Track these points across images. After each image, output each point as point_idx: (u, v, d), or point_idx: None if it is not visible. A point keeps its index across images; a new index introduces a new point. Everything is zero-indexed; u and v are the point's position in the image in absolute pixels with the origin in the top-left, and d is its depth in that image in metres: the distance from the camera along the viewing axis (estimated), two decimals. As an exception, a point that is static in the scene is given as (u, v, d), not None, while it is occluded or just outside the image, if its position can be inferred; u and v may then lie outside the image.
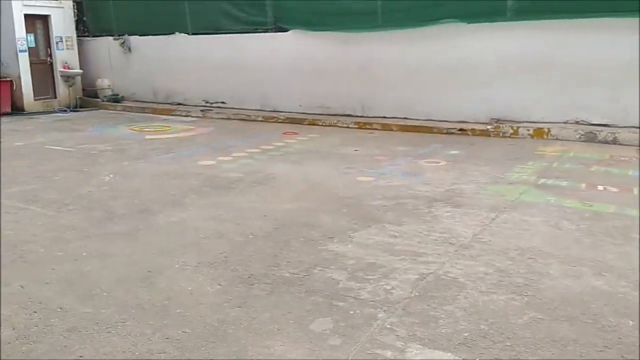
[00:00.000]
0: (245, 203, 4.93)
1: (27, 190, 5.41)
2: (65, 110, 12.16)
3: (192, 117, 11.15)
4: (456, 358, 2.35)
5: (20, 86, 11.84)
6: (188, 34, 11.86)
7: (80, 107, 12.66)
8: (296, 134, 8.87)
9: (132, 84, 12.96)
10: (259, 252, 3.70)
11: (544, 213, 4.40)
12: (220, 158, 6.92)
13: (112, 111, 12.30)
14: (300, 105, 10.53)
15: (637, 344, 2.36)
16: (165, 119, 10.94)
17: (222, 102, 11.62)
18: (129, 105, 12.47)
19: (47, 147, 7.82)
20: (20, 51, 11.88)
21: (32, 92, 11.99)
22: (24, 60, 11.93)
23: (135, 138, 8.62)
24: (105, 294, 3.10)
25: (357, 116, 9.90)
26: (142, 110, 12.02)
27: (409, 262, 3.44)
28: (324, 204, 4.87)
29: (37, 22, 12.17)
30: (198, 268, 3.44)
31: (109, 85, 13.01)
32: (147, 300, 3.00)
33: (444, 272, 3.25)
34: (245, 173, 6.09)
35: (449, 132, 8.56)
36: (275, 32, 10.66)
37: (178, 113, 11.48)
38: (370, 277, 3.23)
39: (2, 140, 8.30)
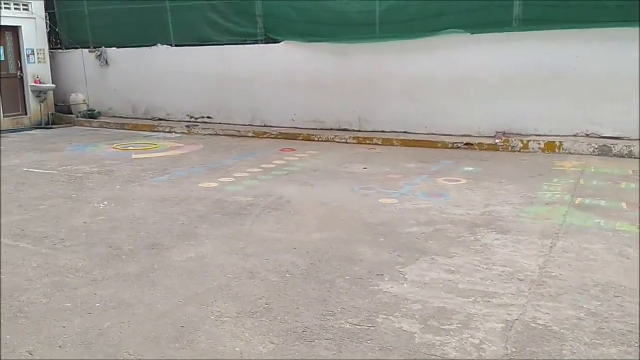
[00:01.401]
0: (266, 233, 4.42)
1: (12, 223, 4.76)
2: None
3: (177, 133, 10.53)
4: None
5: (-12, 102, 11.02)
6: (171, 45, 11.26)
7: (53, 123, 11.86)
8: (294, 150, 8.39)
9: (109, 98, 12.24)
10: (303, 296, 3.19)
11: (601, 239, 4.03)
12: (222, 179, 6.38)
13: (88, 128, 11.56)
14: (293, 120, 10.05)
15: None
16: (147, 136, 10.29)
17: (208, 117, 11.04)
18: (107, 121, 11.74)
19: (26, 170, 7.11)
20: (-12, 65, 11.07)
21: (0, 108, 11.14)
22: (-9, 75, 11.11)
23: (121, 157, 7.97)
24: (135, 358, 2.55)
25: (354, 130, 9.48)
26: (121, 126, 11.32)
27: (483, 305, 3.00)
28: (355, 232, 4.40)
29: (7, 34, 11.34)
30: (239, 319, 2.92)
31: (84, 100, 12.24)
32: (191, 369, 2.47)
33: (531, 319, 2.82)
34: (254, 196, 5.57)
35: (454, 147, 8.22)
36: (265, 43, 10.18)
37: (161, 129, 10.84)
38: (447, 326, 2.77)
39: (-27, 162, 7.55)
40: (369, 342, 2.65)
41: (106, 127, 11.44)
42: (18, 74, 11.61)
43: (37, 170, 7.02)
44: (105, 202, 5.41)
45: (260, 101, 10.38)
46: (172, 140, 9.60)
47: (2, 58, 11.31)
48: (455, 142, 8.27)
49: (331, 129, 9.65)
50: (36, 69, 11.82)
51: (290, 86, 9.99)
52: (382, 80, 9.22)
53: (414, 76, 8.93)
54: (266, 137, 9.75)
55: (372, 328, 2.78)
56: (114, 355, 2.58)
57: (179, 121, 11.20)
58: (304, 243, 4.13)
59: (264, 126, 10.26)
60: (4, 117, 11.12)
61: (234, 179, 6.37)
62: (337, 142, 9.12)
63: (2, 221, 4.81)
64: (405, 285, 3.31)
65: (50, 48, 12.26)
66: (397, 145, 8.63)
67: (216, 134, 10.22)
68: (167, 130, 10.72)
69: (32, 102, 11.70)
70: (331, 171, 6.81)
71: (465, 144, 8.19)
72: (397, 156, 7.72)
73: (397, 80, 9.07)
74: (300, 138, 9.47)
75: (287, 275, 3.52)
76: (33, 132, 10.99)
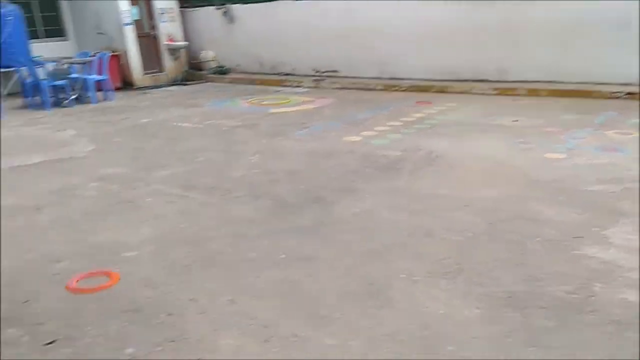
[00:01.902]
0: (428, 189, 4.19)
1: (177, 174, 4.95)
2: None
3: (305, 87, 10.48)
4: None
5: (128, 60, 11.64)
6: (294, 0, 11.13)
7: (187, 80, 12.35)
8: (430, 103, 7.98)
9: (236, 55, 12.45)
10: (494, 259, 2.95)
11: None
12: (364, 133, 6.20)
13: (220, 84, 11.87)
14: (425, 72, 9.57)
15: None
16: (277, 91, 10.35)
17: (334, 71, 10.86)
18: (236, 77, 11.99)
19: (174, 124, 7.43)
20: (126, 24, 11.60)
21: (140, 66, 11.75)
22: (129, 34, 11.66)
23: (258, 112, 8.07)
24: (336, 315, 2.48)
25: (492, 81, 8.83)
26: (251, 82, 11.50)
27: None
28: (527, 189, 4.03)
29: (139, -6, 11.85)
30: (432, 280, 2.75)
31: (214, 57, 12.58)
32: (399, 331, 2.33)
33: None
34: (402, 151, 5.33)
35: (613, 97, 7.36)
36: (394, -9, 9.69)
37: (288, 84, 10.86)
38: (685, 301, 2.40)
39: (126, 116, 8.02)
40: (592, 313, 2.36)
41: (236, 83, 11.68)
42: (152, 33, 12.14)
43: (184, 125, 7.30)
44: (257, 156, 5.46)
45: (388, 54, 9.97)
46: (301, 95, 9.58)
47: (138, 17, 11.84)
48: (615, 92, 7.39)
49: (467, 80, 9.07)
50: (168, 28, 12.25)
51: (419, 37, 9.45)
52: (524, 26, 8.40)
53: (564, 20, 8.03)
54: (396, 91, 9.39)
55: (591, 298, 2.48)
56: (315, 311, 2.53)
57: (306, 76, 11.13)
58: (474, 200, 3.85)
59: (393, 79, 9.88)
60: (144, 74, 11.75)
61: (376, 133, 6.17)
62: (475, 94, 8.55)
63: (165, 173, 5.01)
64: (611, 250, 2.95)
65: (179, 7, 12.65)
66: (544, 96, 7.90)
67: (344, 88, 10.03)
68: (295, 85, 10.71)
69: (167, 60, 12.22)
70: (477, 124, 6.38)
71: (628, 93, 7.29)
72: (548, 107, 7.06)
73: (543, 26, 8.21)
74: (433, 91, 9.01)
75: (469, 234, 3.28)
76: (171, 88, 11.50)
